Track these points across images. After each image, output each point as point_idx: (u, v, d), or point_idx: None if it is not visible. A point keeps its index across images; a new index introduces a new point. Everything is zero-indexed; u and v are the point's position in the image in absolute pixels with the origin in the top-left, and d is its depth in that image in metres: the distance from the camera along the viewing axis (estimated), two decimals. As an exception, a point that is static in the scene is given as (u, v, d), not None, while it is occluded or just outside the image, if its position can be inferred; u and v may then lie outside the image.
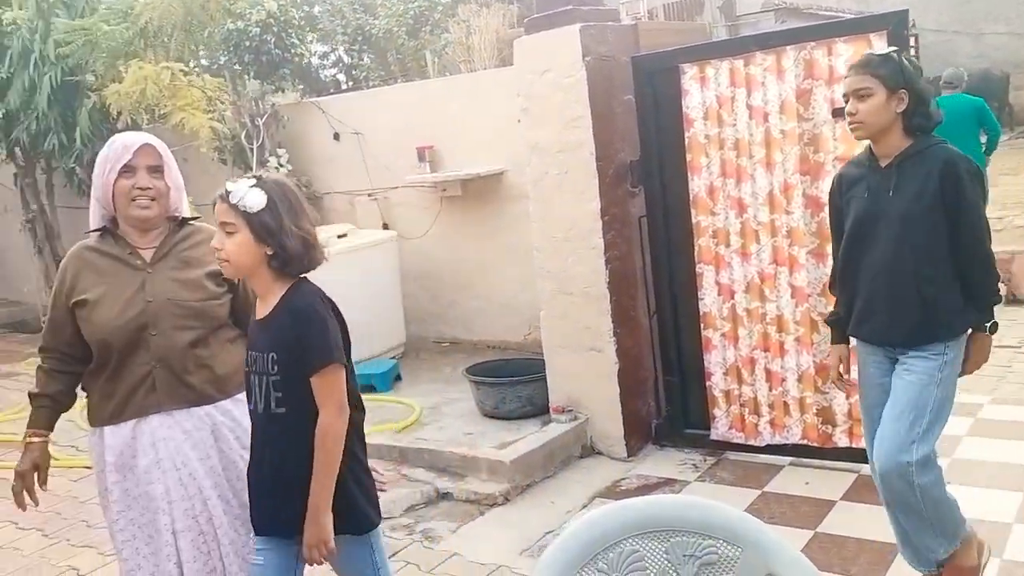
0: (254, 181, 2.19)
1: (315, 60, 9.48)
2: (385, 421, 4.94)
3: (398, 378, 5.72)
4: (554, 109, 4.20)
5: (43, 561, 3.81)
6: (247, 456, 2.43)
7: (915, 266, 2.64)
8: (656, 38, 4.50)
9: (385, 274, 6.12)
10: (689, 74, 4.03)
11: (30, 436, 2.45)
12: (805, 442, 4.00)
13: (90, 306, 2.39)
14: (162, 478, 2.38)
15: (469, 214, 6.26)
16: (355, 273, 5.84)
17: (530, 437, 4.32)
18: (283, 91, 7.02)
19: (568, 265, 4.32)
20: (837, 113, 3.69)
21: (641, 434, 4.39)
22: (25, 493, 2.43)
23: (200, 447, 2.42)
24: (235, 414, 2.48)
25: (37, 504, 2.49)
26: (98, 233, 2.47)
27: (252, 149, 6.71)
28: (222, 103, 6.77)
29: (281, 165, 6.64)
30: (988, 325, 2.70)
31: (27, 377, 6.96)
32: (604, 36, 4.16)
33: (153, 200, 2.39)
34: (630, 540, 1.76)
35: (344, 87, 9.36)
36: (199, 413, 2.43)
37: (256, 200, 2.13)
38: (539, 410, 4.68)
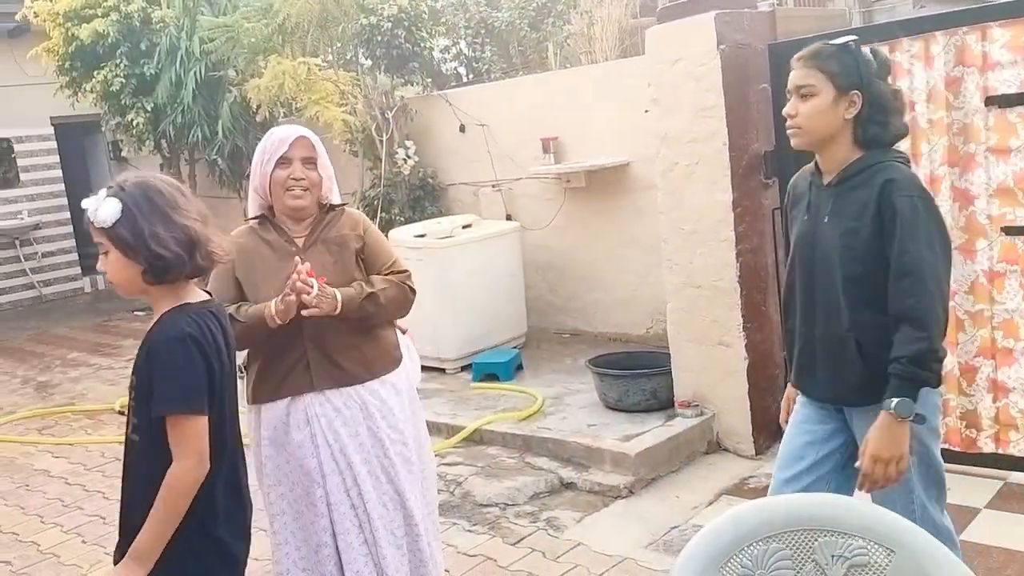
0: (107, 191, 1.88)
1: (436, 54, 9.64)
2: (508, 409, 5.00)
3: (520, 367, 5.77)
4: (686, 98, 4.14)
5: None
6: (393, 435, 2.56)
7: (851, 310, 2.19)
8: (794, 25, 4.36)
9: (508, 264, 6.18)
10: (829, 62, 3.89)
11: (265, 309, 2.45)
12: (947, 446, 3.81)
13: (254, 288, 2.54)
14: (315, 452, 2.52)
15: (592, 205, 6.25)
16: (479, 263, 5.92)
17: (656, 431, 4.29)
18: (412, 84, 7.16)
19: (696, 257, 4.25)
20: (991, 101, 3.50)
21: (769, 432, 4.28)
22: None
23: (350, 424, 2.54)
24: (381, 394, 2.61)
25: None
26: (257, 220, 2.64)
27: (381, 141, 6.89)
28: (354, 96, 6.97)
29: (408, 157, 6.80)
30: (895, 403, 2.05)
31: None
32: (740, 23, 4.06)
33: (306, 190, 2.53)
34: (776, 538, 1.72)
35: (465, 80, 9.48)
36: (349, 392, 2.56)
37: (108, 213, 1.83)
38: (663, 404, 4.64)
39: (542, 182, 6.49)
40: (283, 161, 2.50)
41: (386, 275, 2.64)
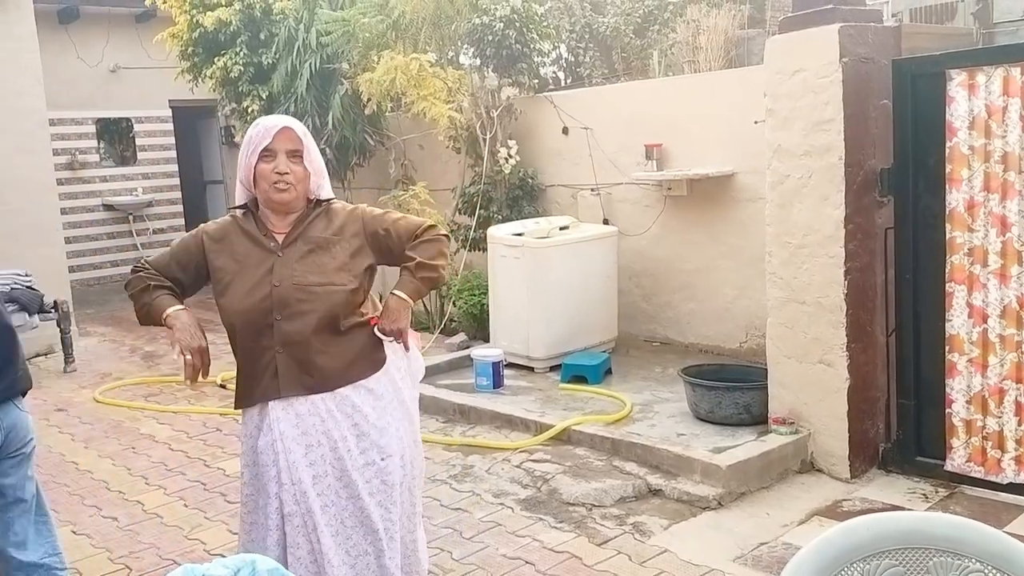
0: None
1: (536, 57, 9.71)
2: (596, 412, 5.00)
3: (609, 372, 5.77)
4: (803, 111, 4.07)
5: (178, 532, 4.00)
6: (363, 444, 2.45)
7: None
8: (918, 42, 4.24)
9: (603, 268, 6.18)
10: (956, 80, 3.78)
11: (169, 311, 2.38)
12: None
13: (223, 285, 2.42)
14: (275, 460, 2.41)
15: (693, 215, 6.20)
16: (574, 265, 5.95)
17: (748, 445, 4.23)
18: (518, 85, 7.24)
19: (802, 273, 4.18)
20: None
21: (867, 456, 4.18)
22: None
23: (310, 434, 2.41)
24: (355, 400, 2.45)
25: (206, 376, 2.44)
26: (241, 210, 2.52)
27: (484, 139, 6.98)
28: (461, 94, 7.08)
29: (510, 156, 6.87)
30: None
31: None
32: (864, 37, 3.98)
33: (291, 185, 2.39)
34: (889, 554, 1.69)
35: (564, 84, 9.51)
36: (316, 400, 2.42)
37: None
38: (756, 419, 4.57)
39: (642, 188, 6.47)
40: (267, 153, 2.37)
41: (414, 243, 2.50)
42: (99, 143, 10.86)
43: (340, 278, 2.42)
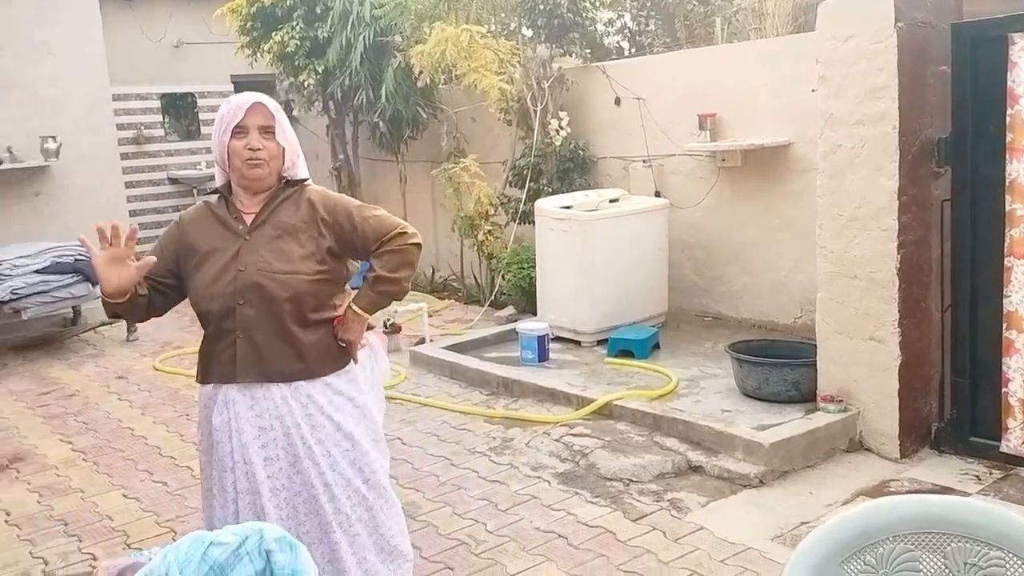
0: None
1: (600, 27, 9.55)
2: (641, 387, 4.94)
3: (656, 346, 5.69)
4: (855, 78, 3.91)
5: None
6: (317, 440, 2.41)
7: None
8: (981, 4, 4.02)
9: (653, 241, 6.09)
10: (1020, 44, 3.58)
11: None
12: None
13: (191, 268, 2.40)
14: (229, 438, 2.40)
15: (747, 186, 6.05)
16: (623, 238, 5.86)
17: (794, 423, 4.13)
18: (570, 55, 7.13)
19: (853, 246, 4.04)
20: None
21: (918, 435, 4.05)
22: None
23: (264, 417, 2.38)
24: (311, 392, 2.40)
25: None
26: (216, 195, 2.49)
27: (535, 111, 6.91)
28: (512, 65, 7.02)
29: (561, 128, 6.78)
30: None
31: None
32: (922, 1, 3.79)
33: (264, 161, 2.34)
34: (904, 538, 1.63)
35: (627, 53, 9.35)
36: (272, 388, 2.38)
37: None
38: (804, 396, 4.46)
39: (695, 159, 6.34)
40: (239, 130, 2.32)
41: (378, 249, 2.43)
42: (164, 118, 11.07)
43: (306, 267, 2.37)
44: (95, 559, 3.41)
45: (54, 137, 7.57)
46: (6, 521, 3.89)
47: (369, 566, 2.51)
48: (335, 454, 2.44)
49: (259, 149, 2.33)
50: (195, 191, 11.14)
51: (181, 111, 11.28)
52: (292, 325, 2.37)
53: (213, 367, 2.42)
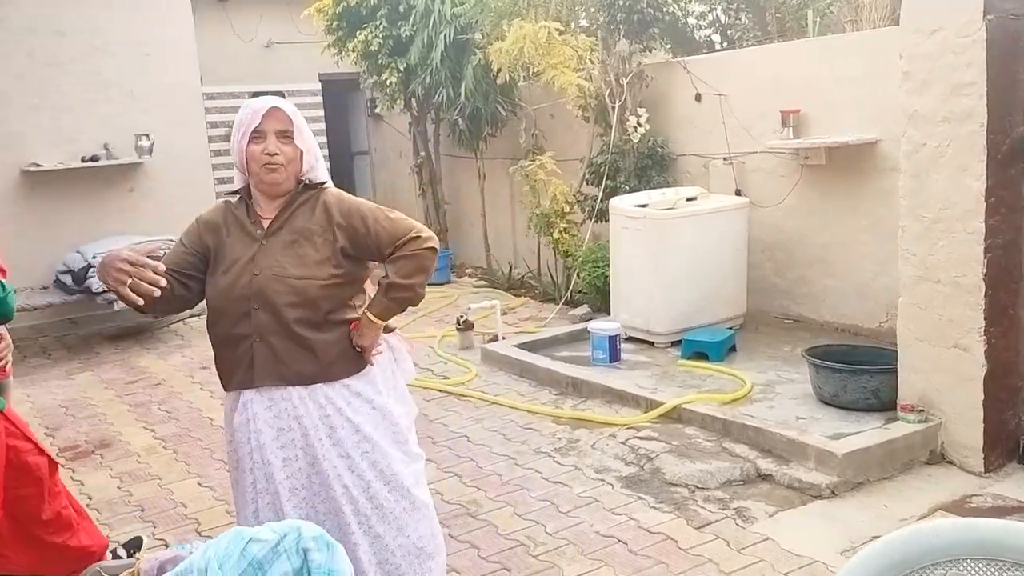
0: None
1: (692, 20, 9.37)
2: (713, 391, 4.83)
3: (732, 349, 5.56)
4: (941, 73, 3.73)
5: (392, 467, 4.26)
6: (334, 438, 2.42)
7: None
8: (1083, -8, 3.78)
9: (732, 241, 5.94)
10: (1124, 34, 3.35)
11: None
12: None
13: (211, 269, 2.43)
14: (248, 439, 2.43)
15: (831, 185, 5.85)
16: (701, 237, 5.74)
17: (871, 432, 3.97)
18: (651, 51, 7.02)
19: (937, 249, 3.85)
20: None
21: (1004, 449, 3.84)
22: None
23: (282, 418, 2.40)
24: (333, 398, 2.42)
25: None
26: (235, 196, 2.51)
27: (613, 108, 6.83)
28: (591, 62, 6.95)
29: (639, 124, 6.69)
30: None
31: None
32: (1015, -10, 3.59)
33: (281, 165, 2.35)
34: (956, 563, 1.53)
35: (718, 48, 9.15)
36: (291, 392, 2.40)
37: None
38: (884, 405, 4.29)
39: (778, 157, 6.16)
40: (257, 135, 2.33)
41: (393, 254, 2.43)
42: (255, 116, 11.42)
43: (322, 271, 2.37)
44: (166, 545, 3.54)
45: (148, 135, 7.88)
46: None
47: (391, 568, 2.51)
48: (354, 455, 2.45)
49: (276, 154, 2.34)
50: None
51: (271, 109, 11.60)
52: (306, 329, 2.37)
53: (234, 374, 2.43)
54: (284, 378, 2.39)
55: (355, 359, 2.48)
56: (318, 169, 2.47)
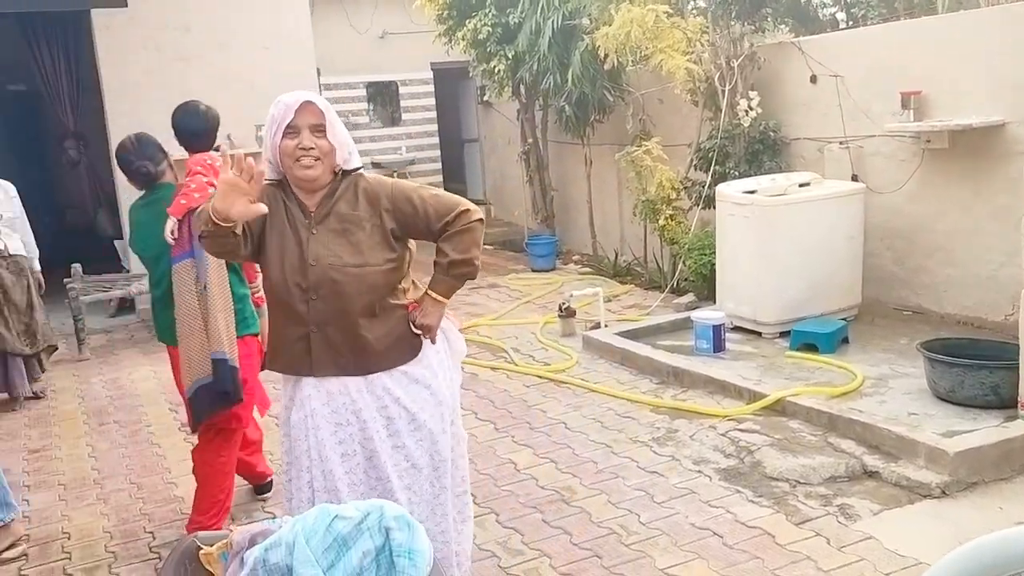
0: None
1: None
2: (821, 384, 4.68)
3: (845, 341, 5.36)
4: (1074, 49, 3.47)
5: (490, 450, 4.34)
6: (390, 429, 2.43)
7: None
8: None
9: (847, 229, 5.71)
10: None
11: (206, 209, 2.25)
12: None
13: (264, 254, 2.41)
14: (306, 435, 2.44)
15: (955, 170, 5.54)
16: (812, 225, 5.55)
17: (987, 430, 3.77)
18: (763, 31, 6.81)
19: (1067, 238, 3.61)
20: None
21: None
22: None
23: (340, 412, 2.42)
24: (387, 383, 2.44)
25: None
26: (275, 183, 2.45)
27: (723, 91, 6.67)
28: (701, 44, 6.81)
29: (751, 108, 6.51)
30: None
31: (507, 289, 7.91)
32: None
33: (317, 160, 2.34)
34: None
35: (843, 26, 8.79)
36: (347, 381, 2.42)
37: None
38: (1003, 402, 4.06)
39: (897, 141, 5.88)
40: (290, 130, 2.32)
41: (445, 231, 2.43)
42: (369, 105, 11.72)
43: (375, 257, 2.38)
44: (274, 517, 3.69)
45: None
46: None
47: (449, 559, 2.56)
48: (409, 444, 2.48)
49: (311, 148, 2.32)
50: (395, 174, 11.71)
51: (386, 98, 11.89)
52: (366, 318, 2.39)
53: (282, 355, 2.46)
54: (343, 368, 2.41)
55: (411, 344, 2.50)
56: (352, 158, 2.46)
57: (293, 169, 2.35)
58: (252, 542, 1.84)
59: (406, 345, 2.49)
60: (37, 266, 5.71)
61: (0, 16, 8.26)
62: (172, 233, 3.22)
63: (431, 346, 2.56)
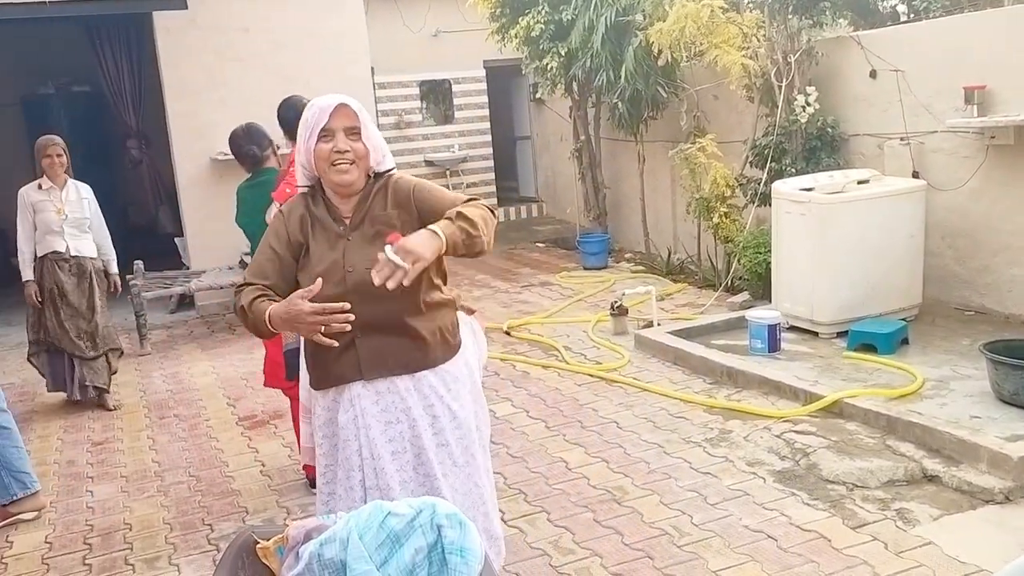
0: None
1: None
2: (880, 385, 4.59)
3: (905, 341, 5.24)
4: None
5: (541, 449, 4.34)
6: (436, 428, 2.43)
7: None
8: None
9: (907, 227, 5.58)
10: None
11: (267, 314, 2.27)
12: None
13: (301, 264, 2.39)
14: (356, 435, 2.42)
15: (1021, 167, 5.38)
16: (871, 223, 5.43)
17: (1053, 435, 3.66)
18: (821, 26, 6.69)
19: None
20: None
21: None
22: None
23: (389, 411, 2.41)
24: (432, 382, 2.44)
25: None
26: (304, 193, 2.46)
27: (780, 87, 6.57)
28: (757, 39, 6.71)
29: (808, 104, 6.39)
30: None
31: (559, 287, 7.90)
32: None
33: (352, 163, 2.33)
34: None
35: (904, 19, 8.59)
36: (397, 382, 2.41)
37: None
38: (1073, 406, 3.93)
39: (960, 137, 5.73)
40: (325, 133, 2.31)
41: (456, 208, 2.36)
42: (422, 104, 11.80)
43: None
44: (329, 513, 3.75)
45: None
46: (260, 471, 4.38)
47: None
48: (452, 442, 2.48)
49: (347, 151, 2.32)
50: (447, 172, 11.80)
51: (439, 97, 11.96)
52: (409, 317, 2.39)
53: (331, 371, 2.44)
54: (391, 369, 2.41)
55: (451, 340, 2.50)
56: (386, 160, 2.46)
57: (329, 173, 2.35)
58: (307, 537, 1.88)
59: (447, 344, 2.50)
60: (114, 268, 5.72)
61: (65, 20, 8.49)
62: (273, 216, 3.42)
63: (467, 345, 2.59)
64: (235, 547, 1.88)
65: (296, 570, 1.84)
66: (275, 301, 2.32)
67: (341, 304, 2.21)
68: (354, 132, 2.34)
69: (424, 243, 2.19)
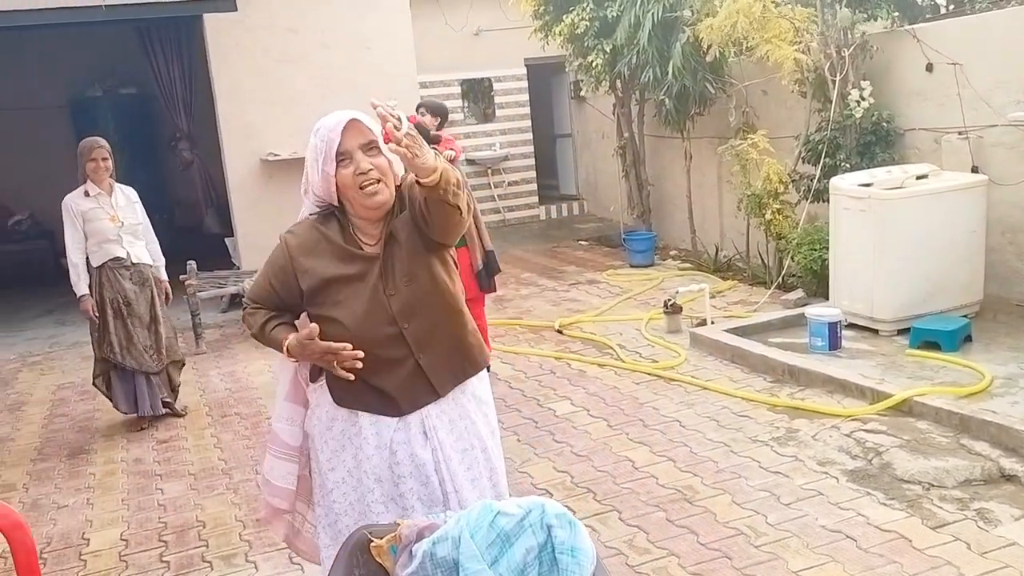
0: None
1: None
2: (946, 383, 4.52)
3: (968, 339, 5.16)
4: None
5: (605, 447, 4.33)
6: (478, 437, 2.34)
7: None
8: None
9: (967, 223, 5.49)
10: None
11: (285, 345, 2.22)
12: None
13: (331, 303, 2.19)
14: (436, 471, 2.26)
15: (1087, 160, 5.29)
16: (931, 219, 5.36)
17: None
18: (875, 19, 6.60)
19: None
20: None
21: None
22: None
23: (465, 438, 2.31)
24: (479, 392, 2.37)
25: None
26: (316, 217, 2.24)
27: (833, 81, 6.49)
28: (809, 33, 6.64)
29: (863, 98, 6.31)
30: None
31: (606, 285, 7.87)
32: None
33: (378, 181, 2.13)
34: None
35: (944, 12, 8.45)
36: (468, 406, 2.32)
37: None
38: None
39: (1021, 131, 5.63)
40: (342, 157, 2.10)
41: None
42: (464, 102, 11.82)
43: (440, 258, 2.25)
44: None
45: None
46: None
47: None
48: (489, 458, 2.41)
49: (370, 169, 2.12)
50: (489, 170, 11.81)
51: (480, 95, 11.98)
52: (459, 317, 2.30)
53: (407, 397, 2.23)
54: (457, 378, 2.29)
55: (484, 348, 2.41)
56: (401, 169, 2.26)
57: (359, 199, 2.14)
58: (420, 536, 1.89)
59: (483, 350, 2.40)
60: (164, 275, 5.43)
61: (116, 23, 8.60)
62: None
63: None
64: (350, 546, 1.90)
65: (410, 568, 1.85)
66: (286, 321, 2.30)
67: (352, 351, 2.13)
68: (372, 147, 2.14)
69: (427, 148, 1.98)
